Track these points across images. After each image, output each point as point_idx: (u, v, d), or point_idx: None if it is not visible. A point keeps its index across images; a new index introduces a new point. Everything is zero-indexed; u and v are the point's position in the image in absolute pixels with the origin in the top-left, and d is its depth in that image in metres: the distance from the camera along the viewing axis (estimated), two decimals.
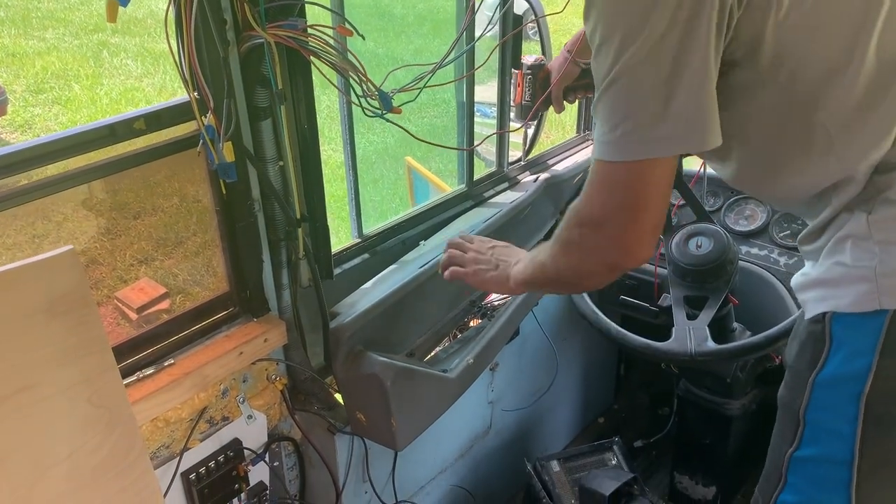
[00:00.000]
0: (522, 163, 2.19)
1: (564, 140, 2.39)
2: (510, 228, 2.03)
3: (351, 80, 1.34)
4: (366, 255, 1.78)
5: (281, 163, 1.48)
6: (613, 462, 2.05)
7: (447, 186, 2.42)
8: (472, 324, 2.04)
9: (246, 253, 1.50)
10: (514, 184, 2.14)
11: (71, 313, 0.98)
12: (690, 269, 1.69)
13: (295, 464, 1.79)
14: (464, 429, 2.11)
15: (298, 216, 1.53)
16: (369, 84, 1.34)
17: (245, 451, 1.61)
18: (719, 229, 1.73)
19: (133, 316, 1.84)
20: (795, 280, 1.22)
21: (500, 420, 2.20)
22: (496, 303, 2.06)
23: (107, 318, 1.94)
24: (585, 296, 1.72)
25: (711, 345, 1.56)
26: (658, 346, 1.60)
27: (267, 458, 1.68)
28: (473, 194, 2.04)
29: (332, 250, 1.72)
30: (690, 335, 1.59)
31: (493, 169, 2.12)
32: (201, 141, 1.31)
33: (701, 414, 2.11)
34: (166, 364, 1.43)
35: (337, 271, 1.71)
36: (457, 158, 2.04)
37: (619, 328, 1.66)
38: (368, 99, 1.36)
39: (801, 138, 1.13)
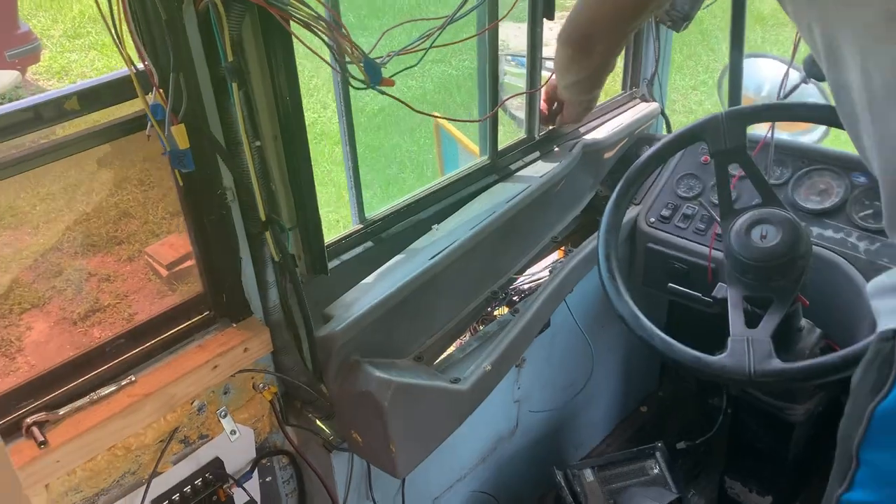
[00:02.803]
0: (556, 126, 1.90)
1: (607, 99, 2.08)
2: (540, 206, 1.76)
3: (323, 37, 1.07)
4: (368, 244, 1.54)
5: (258, 143, 1.24)
6: (655, 471, 1.81)
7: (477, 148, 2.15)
8: (496, 314, 1.80)
9: (219, 250, 1.28)
10: (546, 152, 1.86)
11: None
12: (753, 265, 1.40)
13: (292, 476, 1.59)
14: (486, 430, 1.89)
15: (281, 212, 1.30)
16: (352, 49, 1.08)
17: (228, 471, 1.41)
18: (790, 216, 1.44)
19: (164, 272, 1.73)
20: (875, 283, 0.95)
21: (528, 419, 1.97)
22: (525, 286, 1.81)
23: (138, 275, 1.86)
24: (624, 293, 1.46)
25: (776, 363, 1.29)
26: (710, 362, 1.33)
27: (256, 475, 1.49)
28: (498, 167, 1.77)
29: (330, 239, 1.49)
30: (750, 349, 1.32)
31: (522, 136, 1.83)
32: (149, 123, 1.07)
33: (758, 418, 1.85)
34: (125, 382, 1.23)
35: (334, 263, 1.48)
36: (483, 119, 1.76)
37: (665, 337, 1.39)
38: (354, 67, 1.10)
39: None
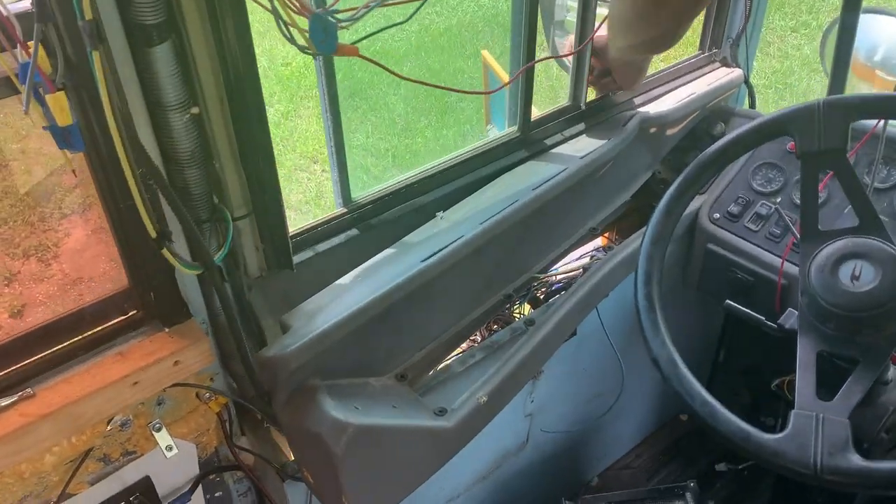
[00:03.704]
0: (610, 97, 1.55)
1: (678, 60, 1.70)
2: (577, 193, 1.43)
3: None
4: (353, 231, 1.25)
5: (195, 110, 0.95)
6: None
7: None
8: (515, 313, 1.51)
9: (143, 242, 1.01)
10: (593, 125, 1.51)
11: None
12: (837, 313, 1.07)
13: (249, 489, 1.37)
14: (489, 444, 1.62)
15: (229, 195, 1.02)
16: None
17: (162, 490, 1.19)
18: (894, 251, 1.09)
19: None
20: None
21: (540, 436, 1.70)
22: (558, 277, 1.51)
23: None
24: (663, 330, 1.14)
25: (854, 460, 0.97)
26: (764, 443, 1.02)
27: (201, 492, 1.27)
28: (530, 140, 1.44)
29: (302, 225, 1.21)
30: (819, 432, 1.00)
31: (566, 103, 1.49)
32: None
33: None
34: (18, 397, 0.99)
35: (305, 255, 1.20)
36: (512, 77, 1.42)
37: (708, 398, 1.08)
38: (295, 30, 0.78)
39: None
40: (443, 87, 1.12)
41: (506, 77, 2.43)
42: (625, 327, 1.70)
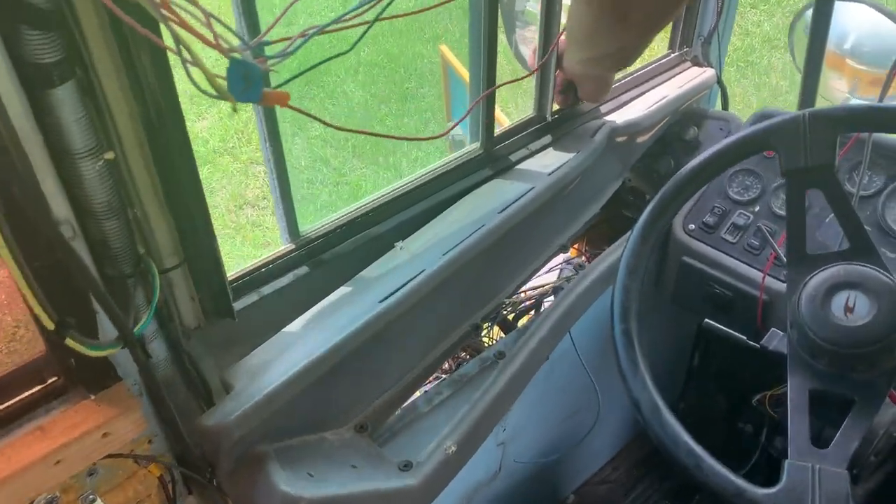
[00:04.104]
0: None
1: (648, 62, 1.60)
2: (546, 210, 1.33)
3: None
4: (303, 269, 1.13)
5: (110, 154, 0.83)
6: None
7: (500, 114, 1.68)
8: (485, 339, 1.41)
9: (62, 302, 0.88)
10: (559, 137, 1.41)
11: None
12: (829, 349, 0.99)
13: None
14: (460, 477, 1.52)
15: (155, 244, 0.90)
16: (216, 40, 0.63)
17: None
18: (890, 280, 1.01)
19: None
20: None
21: (514, 464, 1.61)
22: (527, 293, 1.41)
23: None
24: (643, 370, 1.05)
25: None
26: (758, 499, 0.94)
27: None
28: (494, 157, 1.33)
29: (243, 268, 1.09)
30: (816, 486, 0.92)
31: (531, 114, 1.38)
32: None
33: None
34: None
35: (250, 299, 1.08)
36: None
37: (696, 448, 0.99)
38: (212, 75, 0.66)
39: None
40: (388, 136, 1.00)
41: (465, 73, 2.31)
42: (596, 345, 1.61)
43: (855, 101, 2.09)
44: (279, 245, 1.15)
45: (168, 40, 0.63)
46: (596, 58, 1.20)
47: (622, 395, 1.84)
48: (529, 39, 1.44)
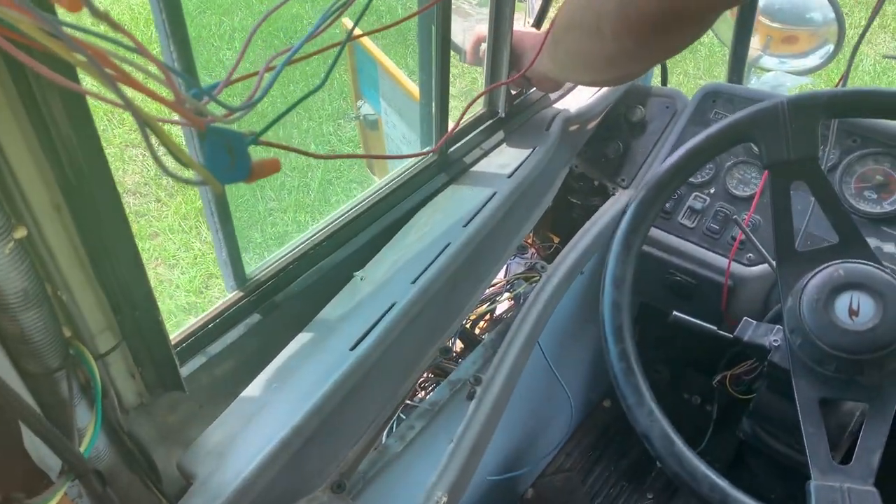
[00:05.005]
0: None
1: None
2: (508, 214, 1.22)
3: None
4: (254, 317, 0.98)
5: (20, 232, 0.64)
6: None
7: (414, 88, 1.52)
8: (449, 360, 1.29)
9: None
10: (513, 131, 1.29)
11: None
12: (837, 356, 0.94)
13: None
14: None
15: (84, 326, 0.73)
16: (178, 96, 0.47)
17: None
18: (892, 278, 0.96)
19: None
20: None
21: (485, 482, 1.52)
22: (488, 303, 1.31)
23: None
24: (648, 397, 0.97)
25: None
26: None
27: None
28: (448, 161, 1.20)
29: (184, 327, 0.93)
30: None
31: (482, 111, 1.26)
32: None
33: (774, 469, 1.46)
34: None
35: (197, 361, 0.92)
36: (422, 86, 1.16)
37: (718, 480, 0.91)
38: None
39: None
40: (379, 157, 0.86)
41: (376, 51, 2.13)
42: (553, 338, 1.54)
43: (767, 58, 2.09)
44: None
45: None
46: (591, 82, 1.10)
47: (572, 373, 1.79)
48: (465, 30, 1.31)
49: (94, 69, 0.42)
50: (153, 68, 0.43)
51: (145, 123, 0.41)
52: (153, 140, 0.48)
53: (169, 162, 0.47)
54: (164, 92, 0.44)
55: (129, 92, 0.42)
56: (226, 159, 0.47)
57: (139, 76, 0.46)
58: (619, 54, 0.90)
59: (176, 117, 0.44)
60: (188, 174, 0.50)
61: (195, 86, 0.54)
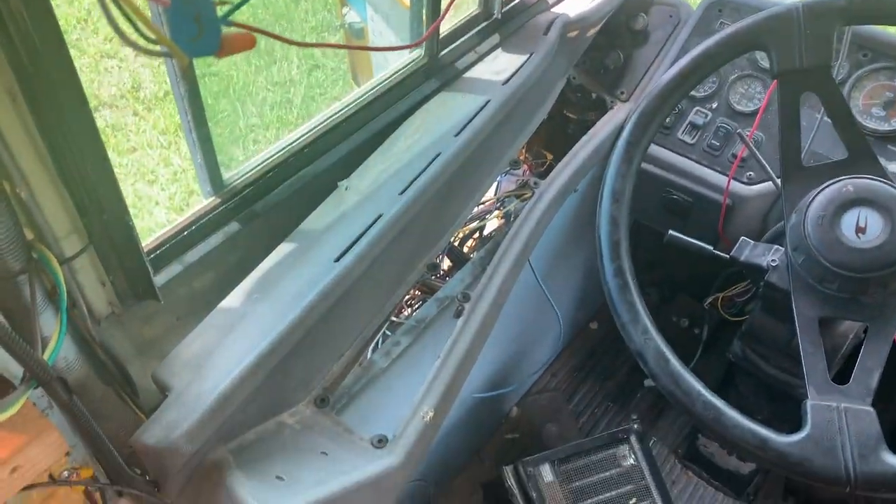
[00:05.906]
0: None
1: None
2: (502, 124, 1.15)
3: None
4: (233, 226, 0.93)
5: None
6: (629, 461, 1.42)
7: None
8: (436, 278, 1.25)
9: None
10: (509, 35, 1.22)
11: None
12: (842, 274, 0.91)
13: None
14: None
15: (48, 227, 0.67)
16: None
17: None
18: None
19: None
20: None
21: (470, 398, 1.50)
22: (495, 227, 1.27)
23: None
24: (644, 314, 0.93)
25: (892, 461, 0.83)
26: (785, 449, 0.86)
27: None
28: (440, 65, 1.13)
29: (160, 233, 0.88)
30: (846, 430, 0.85)
31: (476, 11, 1.18)
32: None
33: (763, 391, 1.45)
34: None
35: (173, 270, 0.87)
36: None
37: (712, 398, 0.89)
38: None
39: None
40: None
41: None
42: (544, 257, 1.50)
43: None
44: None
45: None
46: None
47: (562, 294, 1.77)
48: None
49: None
50: None
51: None
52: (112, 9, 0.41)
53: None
54: None
55: None
56: (193, 29, 0.41)
57: None
58: None
59: None
60: (152, 46, 0.44)
61: None
